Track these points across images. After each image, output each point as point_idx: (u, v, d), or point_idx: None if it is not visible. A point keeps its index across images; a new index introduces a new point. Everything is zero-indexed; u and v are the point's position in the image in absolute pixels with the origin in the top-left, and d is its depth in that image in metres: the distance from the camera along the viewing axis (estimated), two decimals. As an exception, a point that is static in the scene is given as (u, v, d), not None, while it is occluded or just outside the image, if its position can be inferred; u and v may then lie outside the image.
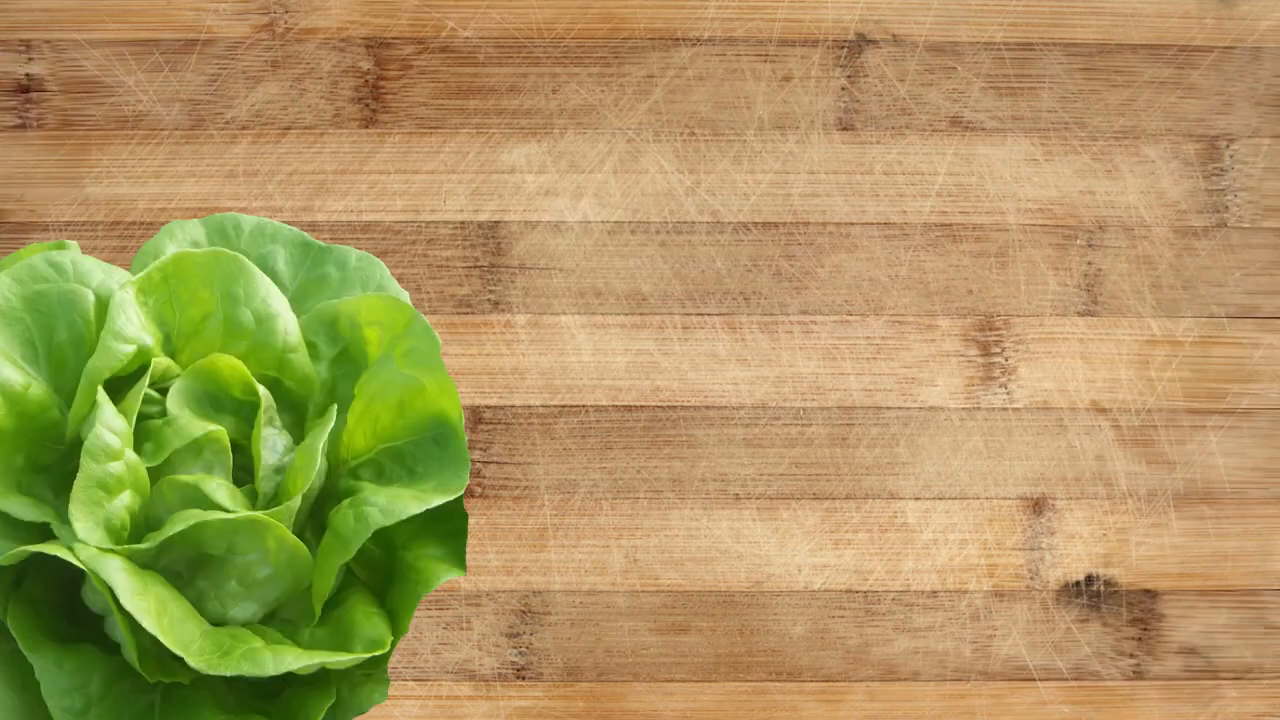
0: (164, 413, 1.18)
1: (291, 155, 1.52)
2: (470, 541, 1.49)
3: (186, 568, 1.09)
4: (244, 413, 1.11)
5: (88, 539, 1.12)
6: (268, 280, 1.15)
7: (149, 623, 1.11)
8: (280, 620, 1.10)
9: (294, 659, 1.04)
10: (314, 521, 1.11)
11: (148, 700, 1.16)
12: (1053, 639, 1.50)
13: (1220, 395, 1.51)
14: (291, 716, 1.08)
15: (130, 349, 1.16)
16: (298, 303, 1.16)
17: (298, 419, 1.13)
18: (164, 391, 1.18)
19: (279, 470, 1.10)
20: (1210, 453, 1.51)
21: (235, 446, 1.11)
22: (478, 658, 1.49)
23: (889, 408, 1.50)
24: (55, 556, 1.16)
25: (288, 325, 1.12)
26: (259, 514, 1.06)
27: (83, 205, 1.52)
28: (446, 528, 1.11)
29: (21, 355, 1.17)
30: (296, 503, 1.07)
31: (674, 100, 1.52)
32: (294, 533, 1.09)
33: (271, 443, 1.11)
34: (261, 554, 1.08)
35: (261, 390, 1.10)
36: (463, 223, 1.52)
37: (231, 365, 1.11)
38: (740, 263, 1.51)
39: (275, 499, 1.10)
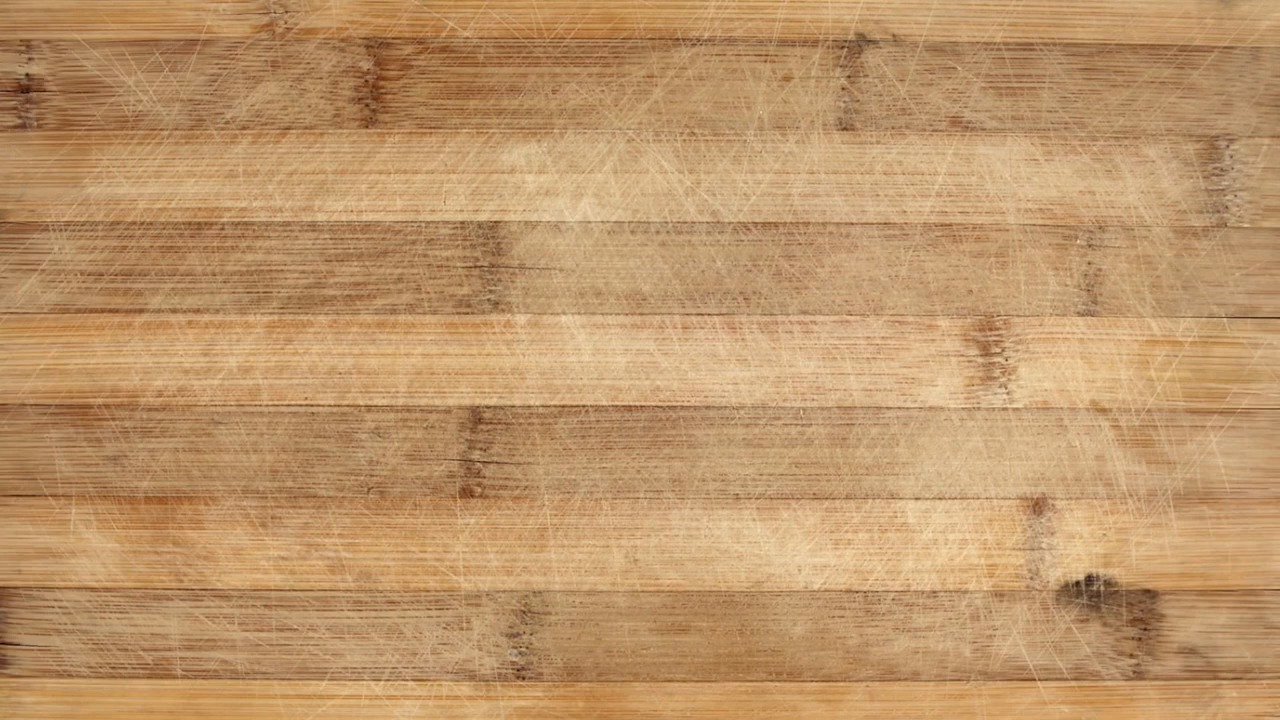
0: None
1: (291, 155, 1.52)
2: (469, 541, 1.49)
3: None
4: None
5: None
6: None
7: None
8: None
9: None
10: None
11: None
12: (1053, 639, 1.50)
13: (1220, 395, 1.51)
14: None
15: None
16: None
17: None
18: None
19: None
20: (1210, 453, 1.51)
21: None
22: (478, 657, 1.49)
23: (889, 408, 1.50)
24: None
25: None
26: None
27: (83, 205, 1.52)
28: None
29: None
30: None
31: (674, 100, 1.52)
32: None
33: None
34: None
35: None
36: (463, 223, 1.52)
37: None
38: (740, 263, 1.51)
39: None
